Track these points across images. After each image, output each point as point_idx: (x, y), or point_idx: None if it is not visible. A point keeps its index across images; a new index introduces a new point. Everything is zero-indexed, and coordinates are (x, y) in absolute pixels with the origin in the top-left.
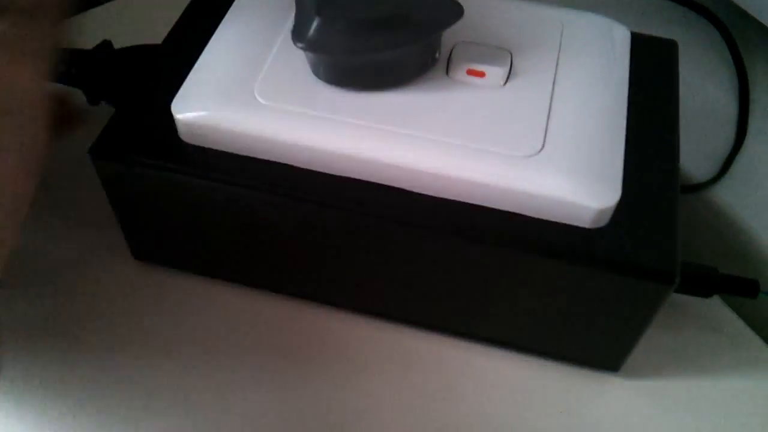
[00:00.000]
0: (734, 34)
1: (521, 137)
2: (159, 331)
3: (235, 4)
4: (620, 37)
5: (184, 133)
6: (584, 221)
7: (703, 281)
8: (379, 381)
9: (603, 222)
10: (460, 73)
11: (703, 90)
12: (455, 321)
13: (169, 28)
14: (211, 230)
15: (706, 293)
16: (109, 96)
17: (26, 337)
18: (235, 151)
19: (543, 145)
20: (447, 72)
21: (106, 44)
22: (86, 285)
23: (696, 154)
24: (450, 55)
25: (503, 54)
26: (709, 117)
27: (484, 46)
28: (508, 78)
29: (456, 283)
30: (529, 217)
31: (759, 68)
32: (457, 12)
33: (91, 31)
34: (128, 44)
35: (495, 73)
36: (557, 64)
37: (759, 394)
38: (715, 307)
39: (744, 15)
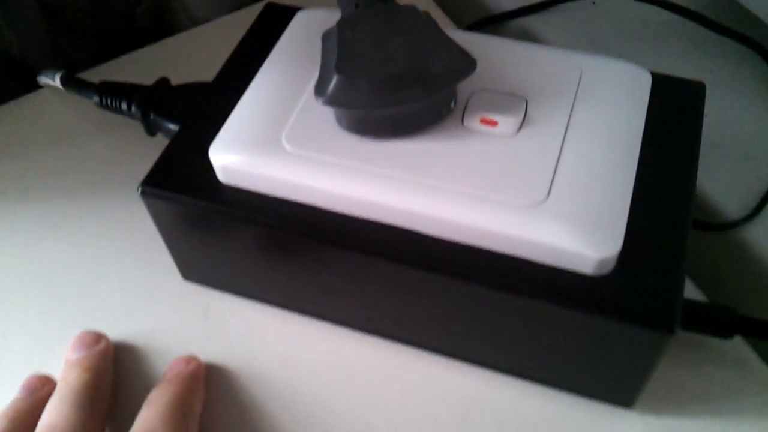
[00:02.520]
0: None
1: (527, 187)
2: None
3: (270, 56)
4: (640, 82)
5: (221, 175)
6: (587, 269)
7: (723, 323)
8: (391, 404)
9: (607, 270)
10: (474, 122)
11: (747, 124)
12: (471, 351)
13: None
14: (244, 258)
15: (726, 334)
16: (165, 129)
17: None
18: (265, 192)
19: (548, 195)
20: (462, 120)
21: (164, 81)
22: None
23: (731, 192)
24: (467, 103)
25: (518, 102)
26: (750, 152)
27: (501, 94)
28: (521, 126)
29: (464, 318)
30: (536, 262)
31: None
32: (470, 66)
33: (147, 65)
34: (183, 80)
35: (507, 121)
36: (571, 112)
37: None
38: (738, 347)
39: None
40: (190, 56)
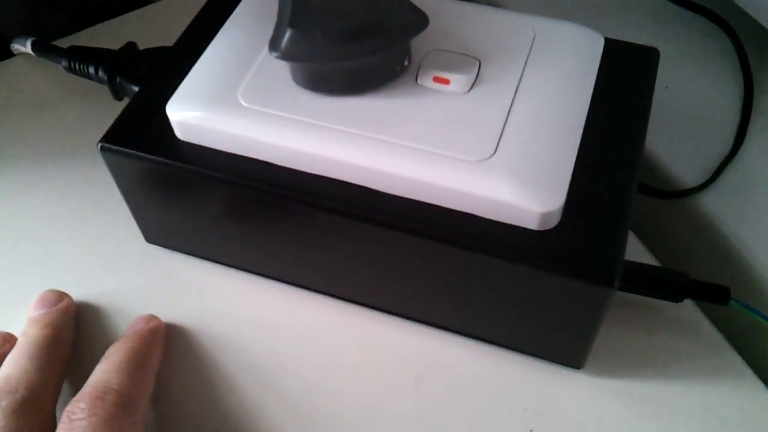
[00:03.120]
0: (744, 42)
1: (475, 142)
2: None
3: (231, 17)
4: (592, 45)
5: (178, 132)
6: (531, 223)
7: (673, 286)
8: (347, 364)
9: (550, 225)
10: (427, 80)
11: (708, 96)
12: (422, 311)
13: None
14: (202, 217)
15: (676, 298)
16: (130, 93)
17: None
18: (221, 148)
19: (495, 151)
20: (416, 79)
21: (131, 45)
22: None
23: (689, 160)
24: (421, 62)
25: (471, 62)
26: (709, 123)
27: (455, 54)
28: (473, 85)
29: (414, 276)
30: (482, 217)
31: (766, 76)
32: (423, 21)
33: (121, 34)
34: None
35: (459, 80)
36: (523, 73)
37: (721, 400)
38: (689, 311)
39: (757, 23)
40: (165, 25)
